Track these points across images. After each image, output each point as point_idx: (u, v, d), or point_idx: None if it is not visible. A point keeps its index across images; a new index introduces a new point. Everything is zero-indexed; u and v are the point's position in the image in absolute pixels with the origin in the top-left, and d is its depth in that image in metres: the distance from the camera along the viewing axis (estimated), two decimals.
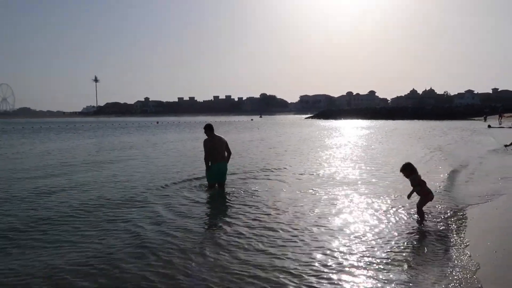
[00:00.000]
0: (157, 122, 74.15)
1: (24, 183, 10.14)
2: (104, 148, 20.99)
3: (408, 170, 6.37)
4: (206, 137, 8.83)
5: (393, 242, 5.29)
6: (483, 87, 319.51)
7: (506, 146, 10.23)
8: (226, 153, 9.01)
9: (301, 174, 11.22)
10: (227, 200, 8.05)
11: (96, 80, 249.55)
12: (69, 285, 4.20)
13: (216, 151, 8.73)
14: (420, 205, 6.33)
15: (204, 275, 4.40)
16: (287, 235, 5.70)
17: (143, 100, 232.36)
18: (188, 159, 15.04)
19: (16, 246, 5.38)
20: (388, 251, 4.96)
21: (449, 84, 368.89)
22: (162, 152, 18.31)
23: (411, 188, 6.35)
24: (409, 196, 6.39)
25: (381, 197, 7.91)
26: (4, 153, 18.81)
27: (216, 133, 8.93)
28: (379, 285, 4.08)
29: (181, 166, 12.91)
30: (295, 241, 5.43)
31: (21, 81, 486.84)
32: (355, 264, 4.62)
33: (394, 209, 6.93)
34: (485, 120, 50.59)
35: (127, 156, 16.68)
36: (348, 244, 5.24)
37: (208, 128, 8.82)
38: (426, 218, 6.26)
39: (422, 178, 6.40)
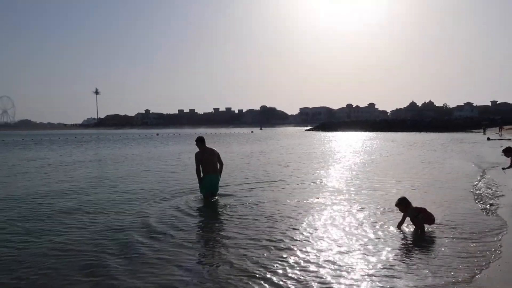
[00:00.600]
0: (157, 134, 74.39)
1: (24, 197, 10.14)
2: (105, 161, 21.03)
3: (403, 204, 6.36)
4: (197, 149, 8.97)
5: (395, 259, 5.27)
6: (482, 99, 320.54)
7: (503, 169, 10.29)
8: (218, 165, 9.10)
9: (303, 184, 11.25)
10: (221, 212, 8.11)
11: (96, 92, 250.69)
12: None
13: (208, 163, 8.83)
14: (421, 222, 6.24)
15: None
16: (283, 249, 5.61)
17: (144, 112, 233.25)
18: (186, 170, 15.06)
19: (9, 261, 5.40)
20: (391, 270, 4.88)
21: (448, 96, 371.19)
22: (162, 164, 18.36)
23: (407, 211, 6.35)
24: (399, 225, 6.41)
25: (386, 211, 7.92)
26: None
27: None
28: None
29: (180, 178, 12.98)
30: (292, 254, 5.39)
31: (21, 93, 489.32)
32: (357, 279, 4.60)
33: (395, 223, 6.87)
34: (484, 132, 50.74)
35: (128, 168, 16.74)
36: (350, 262, 5.10)
37: (200, 141, 8.93)
38: (425, 232, 6.22)
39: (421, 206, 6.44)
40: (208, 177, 8.86)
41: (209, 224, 7.32)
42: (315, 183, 11.79)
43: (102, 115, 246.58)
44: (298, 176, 13.38)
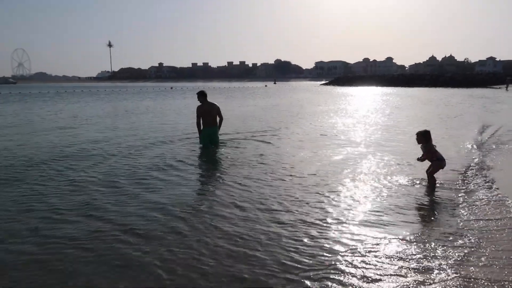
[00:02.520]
0: (171, 88, 74.38)
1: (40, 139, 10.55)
2: (125, 113, 21.24)
3: (425, 137, 6.20)
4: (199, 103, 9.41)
5: (401, 215, 5.05)
6: (506, 54, 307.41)
7: None
8: (218, 119, 9.55)
9: (313, 136, 11.22)
10: (218, 159, 8.48)
11: (110, 45, 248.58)
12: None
13: (207, 117, 9.31)
14: (431, 173, 6.23)
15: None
16: (279, 202, 5.45)
17: (157, 65, 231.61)
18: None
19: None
20: (394, 225, 4.66)
21: (470, 50, 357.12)
22: (175, 113, 18.50)
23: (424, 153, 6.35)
24: (420, 159, 6.36)
25: (395, 163, 7.87)
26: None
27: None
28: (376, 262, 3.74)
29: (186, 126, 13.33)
30: (288, 207, 5.25)
31: (36, 46, 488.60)
32: (357, 237, 4.31)
33: (406, 177, 6.76)
34: (507, 88, 48.97)
35: (141, 116, 16.96)
36: (350, 217, 4.89)
37: (202, 95, 9.36)
38: (437, 186, 6.11)
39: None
40: (206, 130, 9.38)
41: (205, 171, 7.64)
42: (325, 135, 11.74)
43: (115, 68, 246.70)
44: (307, 127, 13.38)
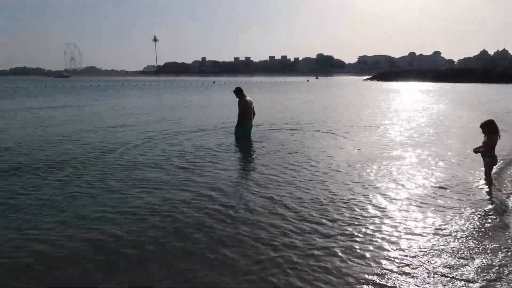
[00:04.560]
0: (214, 82, 76.37)
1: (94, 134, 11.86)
2: (166, 105, 22.58)
3: (492, 127, 5.85)
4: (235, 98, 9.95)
5: (456, 216, 4.75)
6: None
7: None
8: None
9: (352, 133, 11.52)
10: (254, 150, 8.81)
11: (155, 40, 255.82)
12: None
13: (250, 111, 9.95)
14: (487, 171, 6.05)
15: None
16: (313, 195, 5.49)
17: (200, 60, 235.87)
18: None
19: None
20: (448, 226, 4.43)
21: None
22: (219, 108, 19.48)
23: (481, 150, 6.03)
24: (475, 150, 6.04)
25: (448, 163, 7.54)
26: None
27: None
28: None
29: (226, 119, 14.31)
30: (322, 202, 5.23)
31: (88, 41, 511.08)
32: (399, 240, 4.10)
33: (457, 178, 6.32)
34: None
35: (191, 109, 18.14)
36: (392, 221, 4.59)
37: (239, 91, 9.98)
38: (494, 185, 5.85)
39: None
40: (247, 123, 9.98)
41: (241, 161, 8.03)
42: (369, 132, 12.06)
43: (160, 62, 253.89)
44: (350, 125, 13.38)
